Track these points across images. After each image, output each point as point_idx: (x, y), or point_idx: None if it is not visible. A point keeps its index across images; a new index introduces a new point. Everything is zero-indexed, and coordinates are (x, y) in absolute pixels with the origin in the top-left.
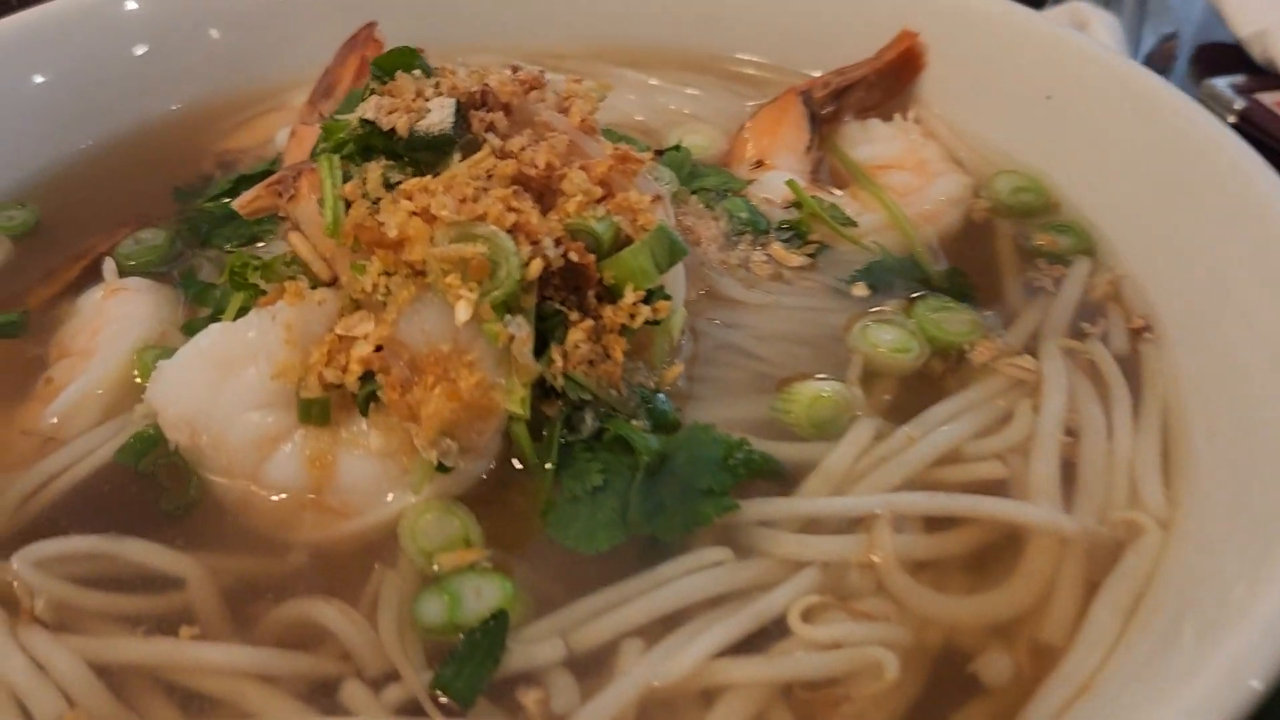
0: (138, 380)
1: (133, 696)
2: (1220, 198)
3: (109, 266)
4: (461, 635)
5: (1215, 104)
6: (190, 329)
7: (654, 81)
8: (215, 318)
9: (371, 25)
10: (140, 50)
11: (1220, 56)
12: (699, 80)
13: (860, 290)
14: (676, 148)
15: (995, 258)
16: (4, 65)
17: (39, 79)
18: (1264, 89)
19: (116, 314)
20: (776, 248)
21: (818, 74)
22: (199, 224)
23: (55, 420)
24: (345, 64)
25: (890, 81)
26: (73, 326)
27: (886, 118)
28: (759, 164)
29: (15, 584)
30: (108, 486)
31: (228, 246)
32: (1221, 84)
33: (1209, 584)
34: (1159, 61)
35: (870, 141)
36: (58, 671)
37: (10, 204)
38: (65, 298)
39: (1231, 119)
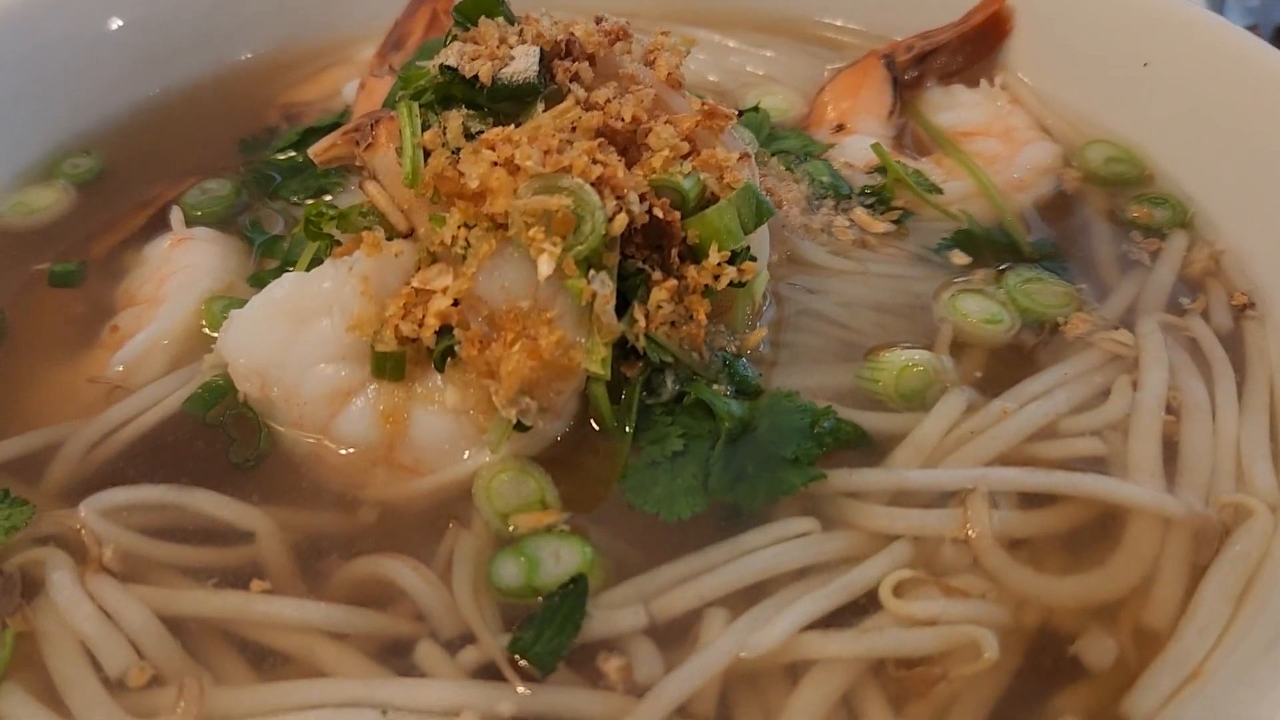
0: (205, 330)
1: (202, 650)
2: None
3: (176, 215)
4: (540, 599)
5: None
6: (258, 281)
7: (730, 43)
8: (284, 270)
9: None
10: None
11: None
12: (775, 42)
13: (960, 258)
14: (755, 109)
15: (1087, 229)
16: (82, 8)
17: (109, 26)
18: None
19: (184, 263)
20: (860, 213)
21: (900, 38)
22: (266, 175)
23: (121, 368)
24: (416, 16)
25: (976, 46)
26: (139, 275)
27: (971, 83)
28: (840, 128)
29: (83, 531)
30: (175, 436)
31: (295, 199)
32: None
33: None
34: None
35: (954, 108)
36: (126, 622)
37: (76, 151)
38: (130, 246)
39: None
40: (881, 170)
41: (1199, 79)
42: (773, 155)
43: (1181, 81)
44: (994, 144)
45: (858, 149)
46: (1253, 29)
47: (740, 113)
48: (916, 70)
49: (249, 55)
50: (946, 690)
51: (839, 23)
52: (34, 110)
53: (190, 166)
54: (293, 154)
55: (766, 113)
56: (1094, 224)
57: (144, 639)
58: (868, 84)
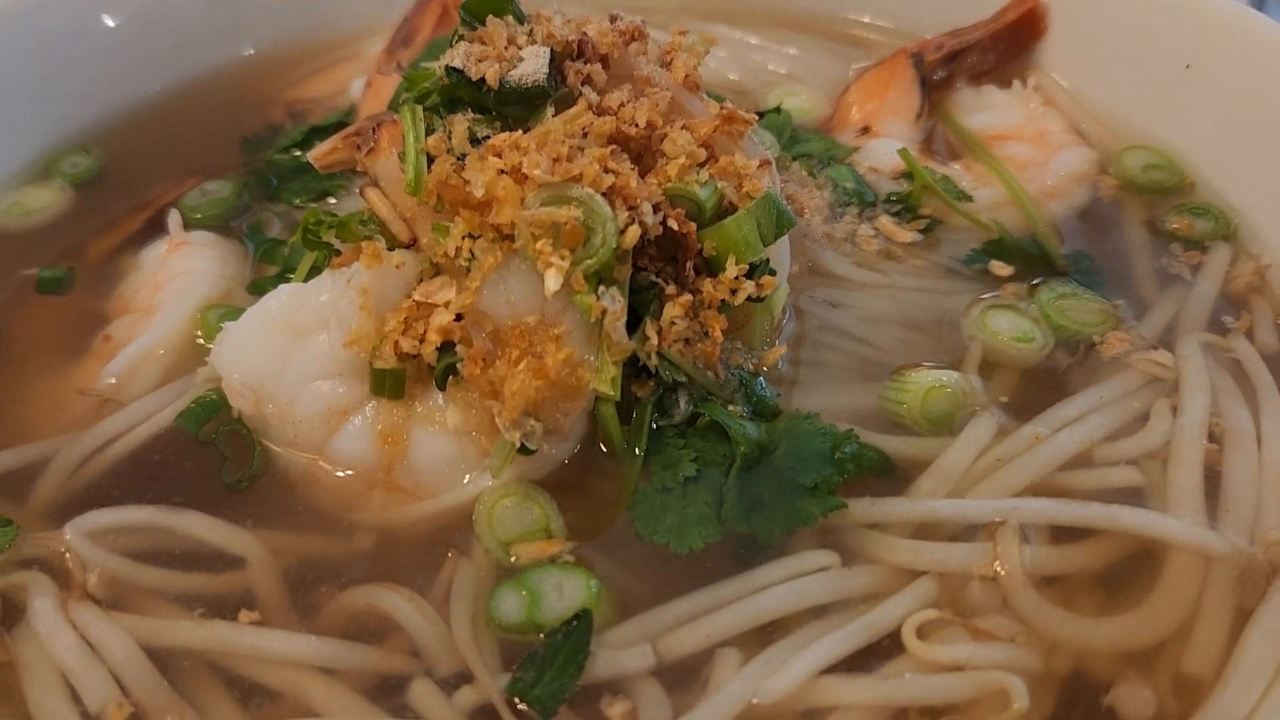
0: (200, 341)
1: (187, 684)
2: None
3: (174, 218)
4: (542, 636)
5: None
6: (257, 288)
7: (751, 39)
8: (283, 277)
9: None
10: None
11: None
12: (798, 39)
13: (993, 270)
14: (777, 110)
15: (1125, 241)
16: (81, 2)
17: (110, 21)
18: None
19: (180, 269)
20: (885, 222)
21: (929, 35)
22: (267, 176)
23: (114, 380)
24: (425, 11)
25: (1009, 44)
26: (134, 281)
27: (1004, 84)
28: (865, 130)
29: (68, 555)
30: (167, 454)
31: (297, 201)
32: None
33: None
34: None
35: (985, 110)
36: (109, 653)
37: (74, 150)
38: (127, 249)
39: None
40: (908, 176)
41: (1244, 82)
42: (794, 159)
43: (1225, 85)
44: (1027, 148)
45: (884, 153)
46: None
47: (761, 115)
48: (946, 70)
49: (253, 50)
50: None
51: (866, 19)
52: (31, 107)
53: (191, 166)
54: (297, 153)
55: (789, 114)
56: (1132, 235)
57: (127, 671)
58: (895, 84)
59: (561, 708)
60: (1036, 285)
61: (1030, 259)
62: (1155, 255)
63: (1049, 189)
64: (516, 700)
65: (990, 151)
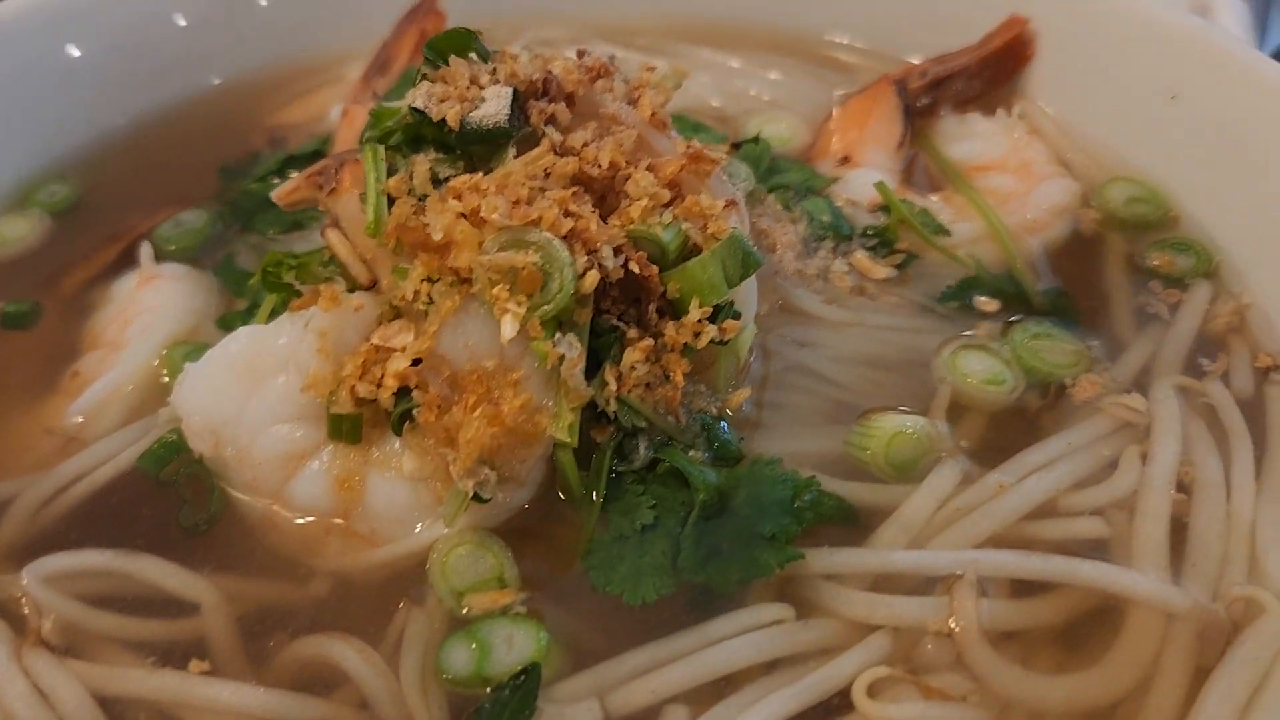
0: (165, 379)
1: None
2: None
3: (145, 251)
4: (489, 690)
5: None
6: (225, 324)
7: (733, 63)
8: (252, 312)
9: None
10: (182, 21)
11: None
12: (783, 63)
13: (987, 305)
14: (755, 140)
15: (1104, 278)
16: (38, 36)
17: (88, 46)
18: None
19: (149, 304)
20: (860, 257)
21: (915, 61)
22: (242, 206)
23: (80, 419)
24: (403, 37)
25: (994, 72)
26: (105, 315)
27: (988, 112)
28: (845, 160)
29: (23, 600)
30: (127, 495)
31: (271, 232)
32: None
33: None
34: None
35: (969, 138)
36: (60, 702)
37: (50, 179)
38: (100, 282)
39: None
40: (886, 209)
41: (1230, 115)
42: (771, 191)
43: (1212, 117)
44: (1009, 180)
45: (862, 184)
46: None
47: (738, 145)
48: (930, 97)
49: (232, 76)
50: None
51: (845, 40)
52: (7, 136)
53: (168, 194)
54: (275, 180)
55: (767, 143)
56: (1111, 271)
57: None
58: (877, 112)
59: None
60: (1011, 324)
61: (1007, 296)
62: (1134, 292)
63: (1029, 222)
64: None
65: (971, 183)
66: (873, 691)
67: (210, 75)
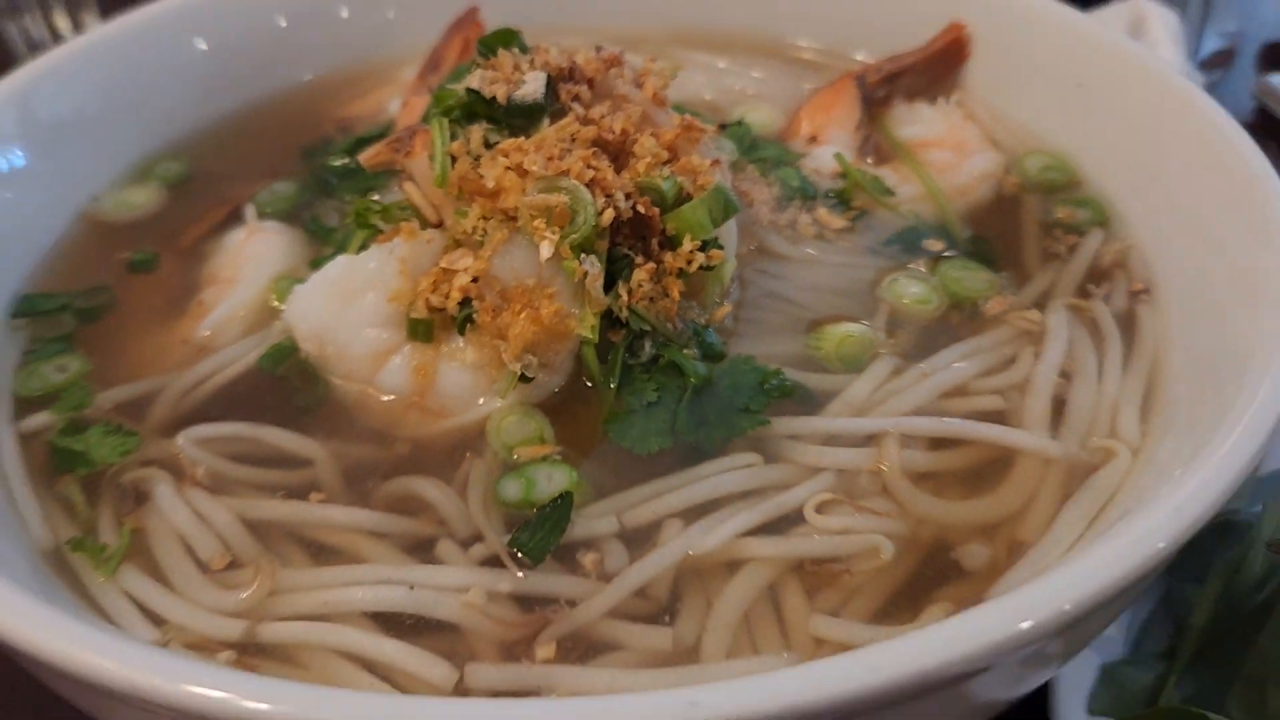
0: (275, 304)
1: (273, 544)
2: (1218, 177)
3: (250, 211)
4: (535, 509)
5: (1271, 100)
6: (317, 265)
7: (722, 64)
8: (337, 255)
9: (474, 9)
10: (282, 24)
11: None
12: (764, 64)
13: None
14: (739, 123)
15: (1019, 228)
16: (172, 32)
17: (202, 45)
18: None
19: (256, 250)
20: (822, 212)
21: (872, 60)
22: (324, 178)
23: (208, 332)
24: (450, 43)
25: (938, 68)
26: (219, 260)
27: (932, 101)
28: (812, 139)
29: (180, 456)
30: (251, 386)
31: (348, 197)
32: (1278, 80)
33: (1151, 495)
34: (1221, 59)
35: (915, 122)
36: (215, 522)
37: (166, 157)
38: (212, 237)
39: None
40: (844, 177)
41: (1123, 99)
42: (751, 162)
43: (1107, 100)
44: (947, 154)
45: (825, 158)
46: (1227, 51)
47: (724, 126)
48: (885, 90)
49: (310, 76)
50: (850, 582)
51: (804, 43)
52: (131, 121)
53: (262, 170)
54: (346, 160)
55: (749, 126)
56: (1024, 223)
57: (229, 535)
58: (840, 101)
59: (548, 557)
60: (939, 260)
61: (939, 241)
62: (1042, 239)
63: (960, 187)
64: (516, 551)
65: (915, 156)
66: (820, 510)
67: (294, 74)
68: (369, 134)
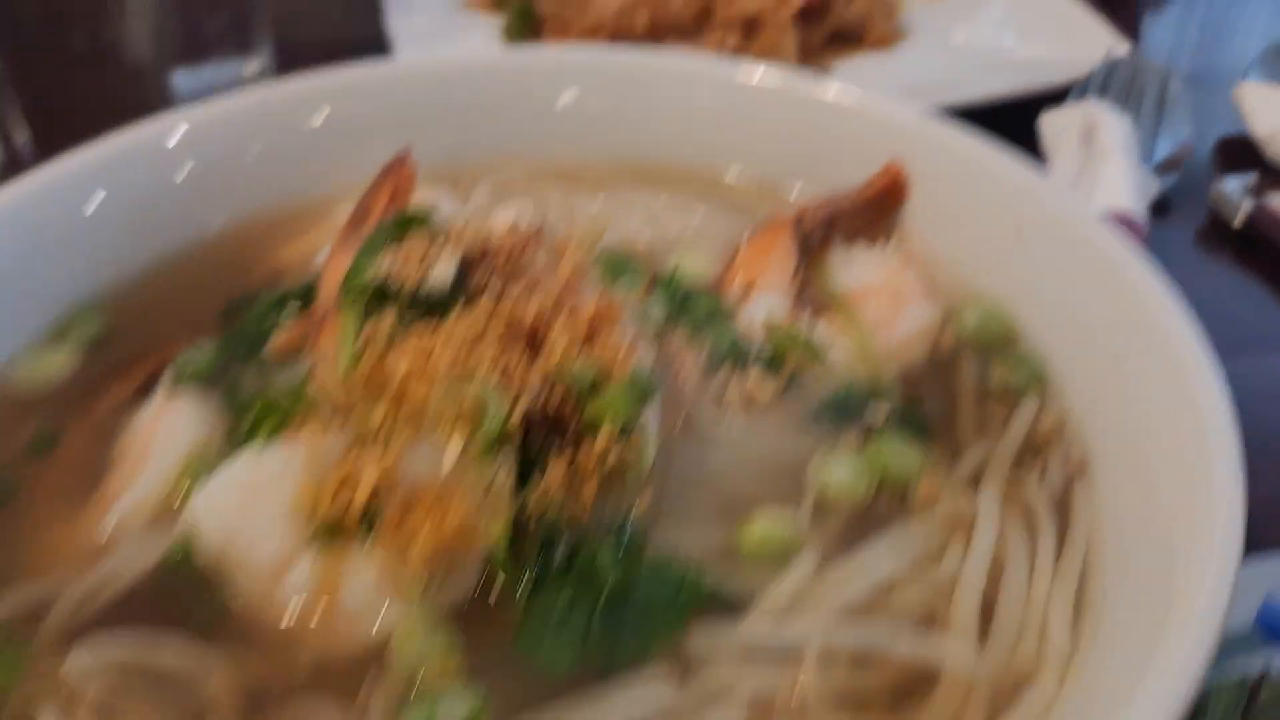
0: (183, 492)
1: None
2: (1147, 343)
3: (165, 378)
4: None
5: (1224, 207)
6: (231, 441)
7: (661, 200)
8: (253, 433)
9: (404, 155)
10: (196, 168)
11: (1243, 150)
12: (704, 197)
13: (836, 422)
14: (671, 277)
15: (954, 393)
16: (65, 191)
17: (97, 200)
18: (1276, 187)
19: (167, 428)
20: (753, 378)
21: (810, 189)
22: (246, 337)
23: (110, 527)
24: (379, 192)
25: (877, 210)
26: (127, 439)
27: (872, 243)
28: (748, 288)
29: (69, 678)
30: (153, 591)
31: (271, 360)
32: (1233, 185)
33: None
34: (1174, 164)
35: (852, 266)
36: None
37: (80, 317)
38: (125, 408)
39: (1238, 223)
40: (778, 333)
41: (1059, 248)
42: (681, 322)
43: (1045, 249)
44: (883, 304)
45: (760, 311)
46: (1181, 154)
47: (656, 278)
48: (823, 233)
49: (228, 221)
50: None
51: (745, 181)
52: (44, 280)
53: (181, 330)
54: (271, 318)
55: (680, 279)
56: (960, 387)
57: None
58: (777, 247)
59: None
60: (870, 435)
61: (871, 410)
62: (977, 405)
63: (896, 346)
64: None
65: (849, 307)
66: None
67: (210, 221)
68: (295, 290)
